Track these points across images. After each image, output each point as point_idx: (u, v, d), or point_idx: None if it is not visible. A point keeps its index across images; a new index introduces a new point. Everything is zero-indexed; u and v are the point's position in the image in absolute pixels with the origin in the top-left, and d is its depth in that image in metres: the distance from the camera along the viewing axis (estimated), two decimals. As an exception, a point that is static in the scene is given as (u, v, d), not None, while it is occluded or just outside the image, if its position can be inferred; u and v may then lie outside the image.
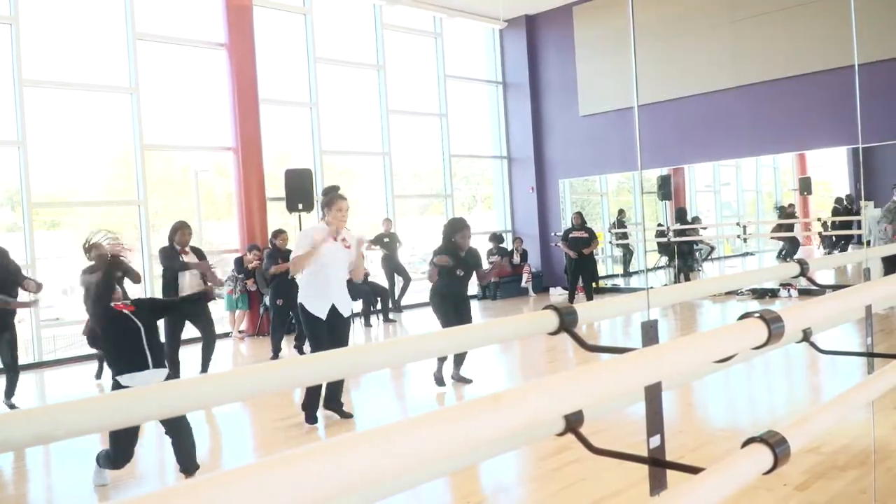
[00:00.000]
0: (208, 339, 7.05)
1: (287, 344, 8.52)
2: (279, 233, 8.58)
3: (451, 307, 6.13)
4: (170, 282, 6.84)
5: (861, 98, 9.16)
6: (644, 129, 12.15)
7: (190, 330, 7.04)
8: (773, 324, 1.51)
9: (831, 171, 12.24)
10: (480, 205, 15.11)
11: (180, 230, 6.97)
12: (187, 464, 4.00)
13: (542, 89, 13.99)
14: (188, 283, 6.84)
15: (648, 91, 11.83)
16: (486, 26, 13.82)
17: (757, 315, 1.52)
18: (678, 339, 1.40)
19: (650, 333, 1.67)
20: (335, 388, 5.32)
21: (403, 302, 11.70)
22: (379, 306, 10.73)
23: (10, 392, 6.31)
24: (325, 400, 5.33)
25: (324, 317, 4.97)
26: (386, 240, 11.12)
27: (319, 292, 4.96)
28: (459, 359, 6.24)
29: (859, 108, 9.09)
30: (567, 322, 1.69)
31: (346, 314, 5.09)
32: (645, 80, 11.84)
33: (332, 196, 5.01)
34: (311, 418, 5.22)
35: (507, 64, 14.35)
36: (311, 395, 5.23)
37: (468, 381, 6.23)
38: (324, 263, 4.93)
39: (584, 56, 13.12)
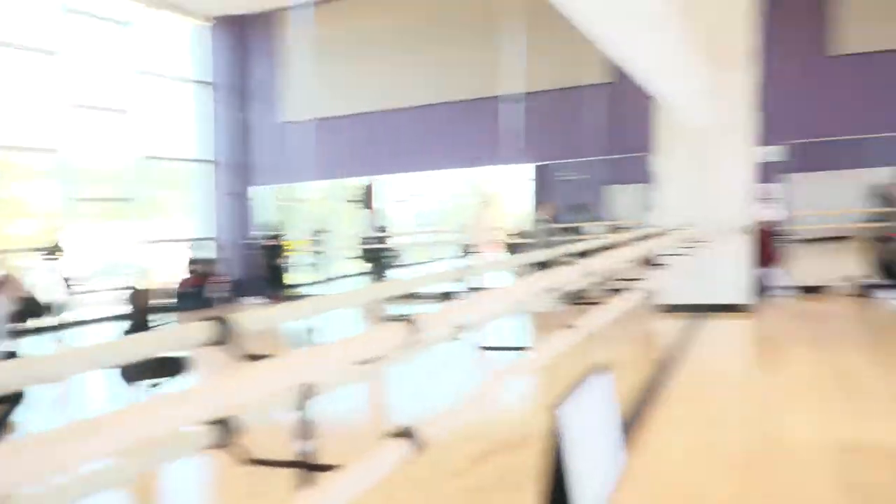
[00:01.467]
0: None
1: None
2: None
3: None
4: None
5: (535, 122, 10.45)
6: (342, 140, 12.49)
7: None
8: (415, 324, 1.64)
9: (516, 185, 13.56)
10: (177, 211, 14.26)
11: None
12: None
13: (249, 93, 13.69)
14: None
15: (346, 102, 12.18)
16: (193, 22, 13.16)
17: (400, 316, 1.63)
18: (325, 344, 1.46)
19: (307, 339, 1.72)
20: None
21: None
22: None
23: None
24: None
25: None
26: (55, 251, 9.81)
27: None
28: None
29: (537, 131, 10.29)
30: (227, 332, 1.66)
31: None
32: (341, 91, 12.18)
33: None
34: None
35: (214, 64, 13.77)
36: None
37: None
38: None
39: (290, 62, 13.10)
